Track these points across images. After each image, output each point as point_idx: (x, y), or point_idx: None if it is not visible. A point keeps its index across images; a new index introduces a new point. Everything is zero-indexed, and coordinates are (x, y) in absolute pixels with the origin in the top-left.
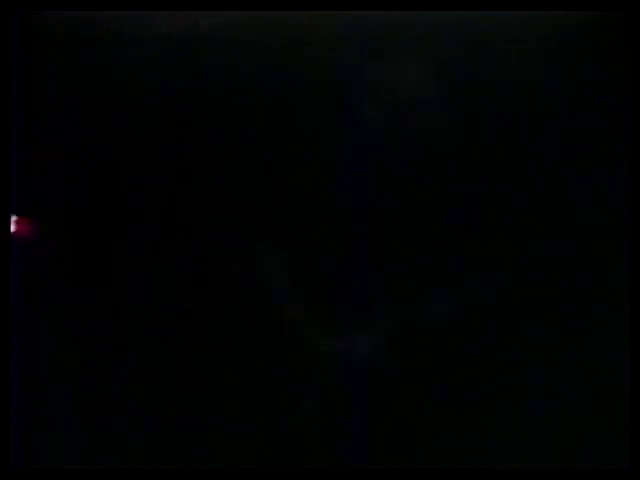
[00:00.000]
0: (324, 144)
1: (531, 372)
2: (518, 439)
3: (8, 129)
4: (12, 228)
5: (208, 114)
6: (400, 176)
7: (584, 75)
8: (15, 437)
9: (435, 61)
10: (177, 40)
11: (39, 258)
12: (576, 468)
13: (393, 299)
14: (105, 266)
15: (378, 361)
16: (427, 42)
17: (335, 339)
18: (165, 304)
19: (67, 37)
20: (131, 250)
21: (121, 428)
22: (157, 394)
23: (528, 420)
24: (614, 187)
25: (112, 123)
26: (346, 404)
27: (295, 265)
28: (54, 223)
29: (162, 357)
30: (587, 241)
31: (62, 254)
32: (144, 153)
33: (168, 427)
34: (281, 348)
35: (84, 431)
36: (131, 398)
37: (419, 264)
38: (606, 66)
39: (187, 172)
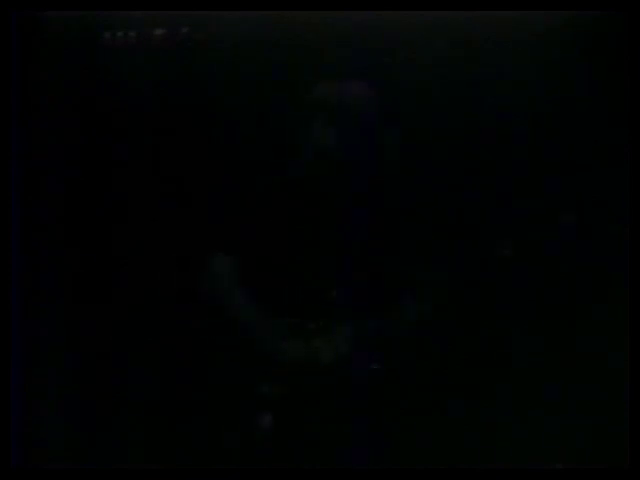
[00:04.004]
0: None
1: (531, 372)
2: (518, 439)
3: (8, 129)
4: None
5: (209, 114)
6: (400, 175)
7: (584, 75)
8: (15, 435)
9: (434, 61)
10: (177, 40)
11: (39, 258)
12: (576, 468)
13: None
14: (105, 266)
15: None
16: (426, 42)
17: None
18: (165, 303)
19: (67, 37)
20: (131, 250)
21: (121, 428)
22: (158, 394)
23: (528, 420)
24: (614, 187)
25: (112, 123)
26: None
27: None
28: (54, 223)
29: (162, 358)
30: (587, 241)
31: (62, 254)
32: (144, 152)
33: (168, 427)
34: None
35: (84, 431)
36: (131, 398)
37: (413, 262)
38: (606, 66)
39: (188, 172)
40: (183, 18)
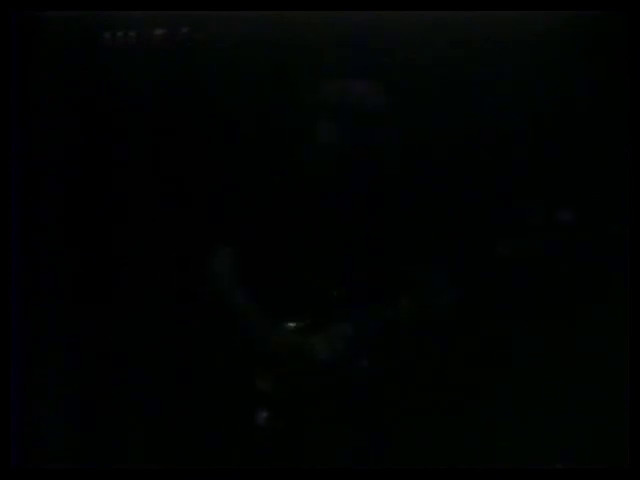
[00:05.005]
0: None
1: (531, 372)
2: (518, 439)
3: (8, 129)
4: None
5: (209, 114)
6: (400, 174)
7: (584, 75)
8: (15, 435)
9: (434, 61)
10: (177, 40)
11: (39, 258)
12: (576, 468)
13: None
14: (105, 266)
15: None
16: (426, 42)
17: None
18: (165, 303)
19: (67, 37)
20: (131, 250)
21: (121, 428)
22: (157, 394)
23: (528, 420)
24: (614, 187)
25: (112, 123)
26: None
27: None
28: (54, 223)
29: (162, 358)
30: (587, 241)
31: (62, 254)
32: (144, 152)
33: (168, 427)
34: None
35: (84, 431)
36: (131, 398)
37: (412, 262)
38: (606, 66)
39: (188, 172)
40: (183, 18)
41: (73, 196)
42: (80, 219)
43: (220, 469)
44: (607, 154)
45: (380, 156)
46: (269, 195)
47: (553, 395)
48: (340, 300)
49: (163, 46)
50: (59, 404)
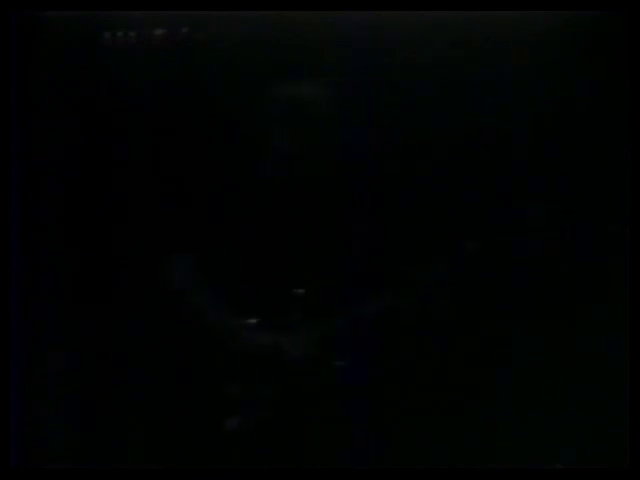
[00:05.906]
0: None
1: (531, 371)
2: (518, 439)
3: (8, 129)
4: None
5: (209, 114)
6: (402, 174)
7: (584, 75)
8: (15, 435)
9: (434, 61)
10: (177, 40)
11: (39, 258)
12: (576, 468)
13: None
14: (105, 266)
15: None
16: (426, 42)
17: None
18: (165, 303)
19: (67, 37)
20: (131, 250)
21: (121, 428)
22: (157, 394)
23: (528, 420)
24: (614, 187)
25: (112, 123)
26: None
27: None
28: (54, 223)
29: (162, 358)
30: (587, 241)
31: (62, 254)
32: (144, 152)
33: (168, 427)
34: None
35: (84, 431)
36: (131, 398)
37: (413, 259)
38: (606, 66)
39: (188, 172)
40: (183, 18)
41: (73, 196)
42: (80, 219)
43: (220, 469)
44: (607, 154)
45: (379, 156)
46: (269, 195)
47: (553, 395)
48: (337, 299)
49: (163, 46)
50: (59, 404)
